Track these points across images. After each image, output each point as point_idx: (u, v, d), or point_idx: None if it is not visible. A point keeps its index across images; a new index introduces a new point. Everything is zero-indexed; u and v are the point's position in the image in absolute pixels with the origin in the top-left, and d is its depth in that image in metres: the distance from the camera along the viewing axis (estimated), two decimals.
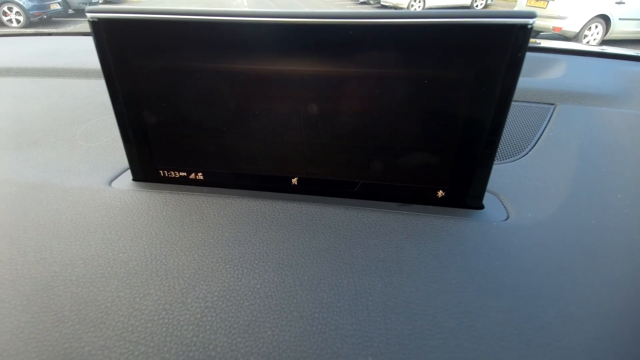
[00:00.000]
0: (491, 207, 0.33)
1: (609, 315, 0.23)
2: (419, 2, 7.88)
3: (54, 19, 6.68)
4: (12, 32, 1.04)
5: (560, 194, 0.35)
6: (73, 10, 7.23)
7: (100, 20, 0.29)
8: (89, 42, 0.84)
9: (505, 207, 0.33)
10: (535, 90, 0.54)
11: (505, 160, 0.41)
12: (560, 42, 0.92)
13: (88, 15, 0.29)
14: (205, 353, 0.21)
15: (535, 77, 0.64)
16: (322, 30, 0.27)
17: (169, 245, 0.28)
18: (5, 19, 5.84)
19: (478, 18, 0.25)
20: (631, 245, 0.29)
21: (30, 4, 5.85)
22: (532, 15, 0.25)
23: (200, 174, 0.36)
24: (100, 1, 8.02)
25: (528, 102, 0.53)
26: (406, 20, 0.26)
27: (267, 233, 0.30)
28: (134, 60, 0.30)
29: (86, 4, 6.78)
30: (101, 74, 0.31)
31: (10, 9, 5.81)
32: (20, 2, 5.74)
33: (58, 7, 6.45)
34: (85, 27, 0.32)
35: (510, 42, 0.26)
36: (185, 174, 0.36)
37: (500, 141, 0.30)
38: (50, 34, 1.00)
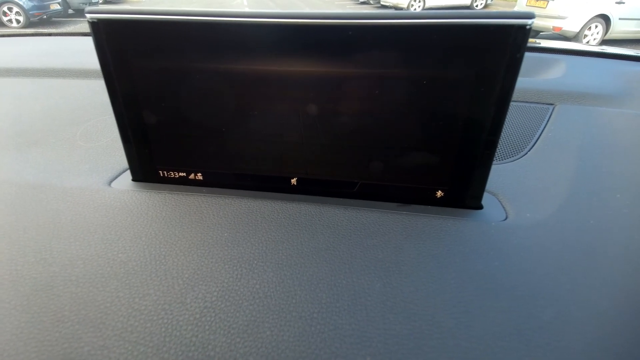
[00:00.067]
0: (490, 207, 0.33)
1: (608, 315, 0.23)
2: (419, 2, 7.88)
3: (53, 19, 6.68)
4: (12, 32, 1.04)
5: (559, 194, 0.35)
6: (73, 10, 7.23)
7: (100, 20, 0.29)
8: (88, 43, 0.84)
9: (504, 207, 0.34)
10: (535, 90, 0.54)
11: (504, 161, 0.41)
12: (560, 42, 0.92)
13: (87, 15, 0.29)
14: (204, 353, 0.21)
15: (534, 77, 0.64)
16: (321, 30, 0.27)
17: (169, 245, 0.29)
18: (5, 19, 5.84)
19: (477, 19, 0.26)
20: (630, 245, 0.29)
21: (30, 4, 5.85)
22: (530, 16, 0.25)
23: (199, 174, 0.36)
24: (100, 1, 8.02)
25: (527, 102, 0.53)
26: (405, 21, 0.26)
27: (267, 233, 0.30)
28: (133, 60, 0.30)
29: (86, 4, 6.79)
30: (101, 74, 0.31)
31: (10, 9, 5.81)
32: (20, 2, 5.75)
33: (58, 7, 6.45)
34: (85, 27, 0.32)
35: (508, 42, 0.26)
36: (184, 174, 0.36)
37: (499, 141, 0.30)
38: (50, 34, 1.00)
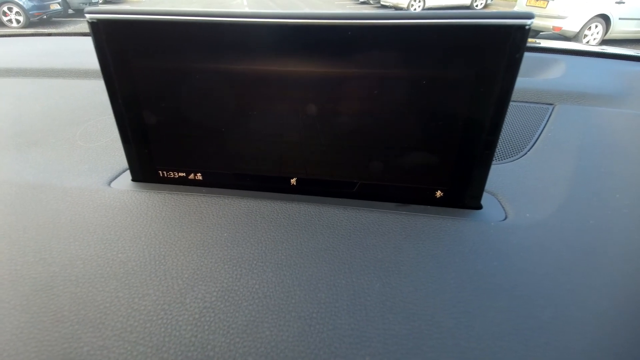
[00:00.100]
0: (489, 207, 0.33)
1: (608, 315, 0.23)
2: (419, 2, 7.88)
3: (53, 19, 6.68)
4: (11, 33, 1.04)
5: (558, 194, 0.35)
6: (73, 10, 7.23)
7: (100, 21, 0.29)
8: (88, 43, 0.84)
9: (503, 207, 0.34)
10: (534, 91, 0.54)
11: (504, 161, 0.41)
12: (560, 42, 0.92)
13: (87, 16, 0.29)
14: (203, 353, 0.21)
15: (534, 77, 0.64)
16: (321, 31, 0.27)
17: (168, 245, 0.29)
18: (5, 19, 5.84)
19: (476, 19, 0.26)
20: (630, 245, 0.29)
21: (30, 4, 5.85)
22: (529, 16, 0.25)
23: (199, 174, 0.36)
24: (100, 1, 8.02)
25: (527, 102, 0.53)
26: (404, 21, 0.26)
27: (266, 233, 0.30)
28: (133, 60, 0.31)
29: (86, 4, 6.79)
30: (101, 74, 0.31)
31: (10, 9, 5.82)
32: (20, 2, 5.75)
33: (58, 7, 6.45)
34: (85, 27, 0.32)
35: (508, 42, 0.26)
36: (184, 174, 0.36)
37: (499, 141, 0.30)
38: (49, 34, 1.00)
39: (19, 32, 1.06)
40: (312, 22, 0.27)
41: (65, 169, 0.39)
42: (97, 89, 0.59)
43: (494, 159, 0.31)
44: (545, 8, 4.80)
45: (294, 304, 0.24)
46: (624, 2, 4.65)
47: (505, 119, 0.29)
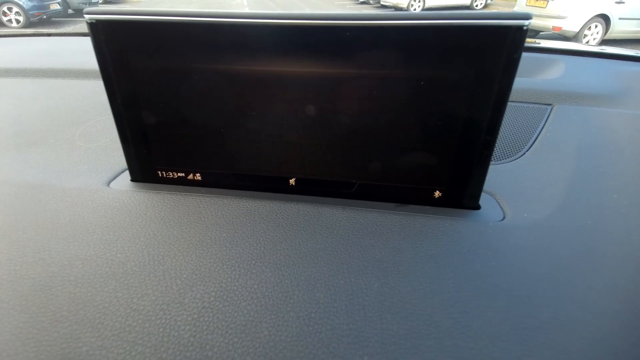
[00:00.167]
0: (487, 208, 0.33)
1: (606, 315, 0.23)
2: (419, 1, 7.88)
3: (53, 19, 6.68)
4: (11, 33, 1.04)
5: (556, 194, 0.35)
6: (73, 10, 7.24)
7: (99, 21, 0.29)
8: (88, 43, 0.83)
9: (501, 208, 0.34)
10: (533, 91, 0.54)
11: (502, 161, 0.41)
12: (559, 42, 0.92)
13: (86, 16, 0.29)
14: (202, 353, 0.21)
15: (533, 77, 0.64)
16: (320, 31, 0.27)
17: (167, 245, 0.29)
18: (5, 19, 5.84)
19: (474, 20, 0.26)
20: (628, 245, 0.29)
21: (30, 4, 5.85)
22: (527, 17, 0.25)
23: (198, 174, 0.36)
24: (100, 1, 8.02)
25: (525, 102, 0.53)
26: (403, 22, 0.26)
27: (265, 233, 0.30)
28: (132, 61, 0.31)
29: (86, 4, 6.79)
30: (100, 74, 0.31)
31: (10, 9, 5.81)
32: (20, 2, 5.74)
33: (58, 7, 6.45)
34: (85, 27, 0.32)
35: (506, 43, 0.26)
36: (183, 174, 0.36)
37: (497, 141, 0.30)
38: (49, 35, 1.00)
39: (19, 32, 1.06)
40: (311, 22, 0.27)
41: (65, 169, 0.39)
42: (97, 90, 0.59)
43: (492, 159, 0.31)
44: (545, 8, 4.80)
45: (293, 304, 0.24)
46: (624, 2, 4.65)
47: (504, 119, 0.29)
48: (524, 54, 0.26)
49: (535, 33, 5.07)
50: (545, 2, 4.81)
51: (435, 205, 0.33)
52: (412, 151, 0.31)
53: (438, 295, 0.25)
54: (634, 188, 0.36)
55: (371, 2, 9.66)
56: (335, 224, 0.31)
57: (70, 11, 7.18)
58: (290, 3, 10.13)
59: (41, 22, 6.23)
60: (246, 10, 0.29)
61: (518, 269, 0.27)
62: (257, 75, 0.30)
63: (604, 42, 4.79)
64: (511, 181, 0.37)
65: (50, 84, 0.63)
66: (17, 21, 5.89)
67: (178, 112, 0.32)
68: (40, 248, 0.28)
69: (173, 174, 0.36)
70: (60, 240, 0.29)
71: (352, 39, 0.27)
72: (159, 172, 0.36)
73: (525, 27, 0.25)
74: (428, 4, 7.87)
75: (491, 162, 0.36)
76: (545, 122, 0.48)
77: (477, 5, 8.50)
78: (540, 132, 0.46)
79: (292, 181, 0.34)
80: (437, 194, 0.33)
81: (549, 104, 0.53)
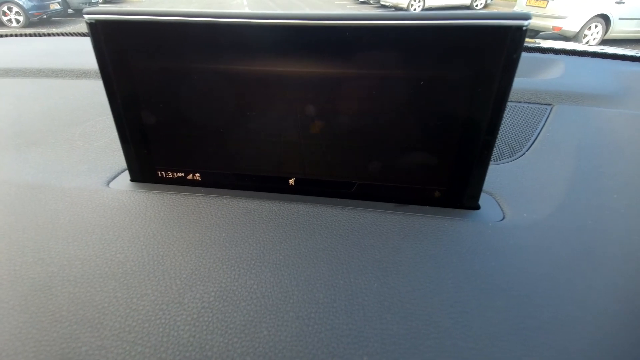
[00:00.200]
0: (487, 208, 0.33)
1: (606, 315, 0.23)
2: (419, 1, 7.88)
3: (53, 19, 6.68)
4: (11, 32, 1.04)
5: (556, 194, 0.35)
6: (73, 10, 7.24)
7: (98, 21, 0.29)
8: (88, 43, 0.83)
9: (501, 208, 0.34)
10: (533, 91, 0.54)
11: (502, 161, 0.41)
12: (559, 42, 0.92)
13: (85, 16, 0.29)
14: (202, 353, 0.21)
15: (532, 77, 0.64)
16: (320, 31, 0.27)
17: (166, 245, 0.29)
18: (5, 19, 5.84)
19: (474, 20, 0.26)
20: (628, 245, 0.29)
21: (30, 4, 5.85)
22: (527, 17, 0.25)
23: (197, 174, 0.36)
24: (100, 1, 8.02)
25: (525, 102, 0.53)
26: (402, 22, 0.26)
27: (264, 233, 0.30)
28: (131, 61, 0.31)
29: (86, 4, 6.79)
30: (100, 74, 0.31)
31: (10, 9, 5.81)
32: (20, 2, 5.74)
33: (58, 7, 6.45)
34: (85, 27, 0.32)
35: (505, 43, 0.26)
36: (182, 174, 0.36)
37: (497, 141, 0.30)
38: (49, 34, 1.00)
39: (19, 32, 1.06)
40: (311, 22, 0.27)
41: (64, 169, 0.39)
42: (97, 89, 0.59)
43: (491, 159, 0.31)
44: (545, 8, 4.80)
45: (292, 304, 0.24)
46: (624, 2, 4.65)
47: (503, 119, 0.29)
48: (524, 54, 0.26)
49: (535, 33, 5.07)
50: (545, 2, 4.81)
51: (434, 205, 0.33)
52: (412, 151, 0.31)
53: (438, 295, 0.25)
54: (634, 188, 0.36)
55: (371, 2, 9.66)
56: (335, 224, 0.31)
57: (70, 11, 7.19)
58: (290, 3, 10.13)
59: (41, 22, 6.23)
60: (246, 10, 0.29)
61: (518, 269, 0.27)
62: (257, 75, 0.30)
63: (604, 42, 4.79)
64: (511, 181, 0.37)
65: (50, 84, 0.63)
66: (17, 21, 5.89)
67: (178, 112, 0.32)
68: (39, 248, 0.28)
69: (173, 174, 0.36)
70: (59, 240, 0.29)
71: (352, 39, 0.27)
72: (159, 172, 0.36)
73: (524, 27, 0.25)
74: (428, 4, 7.87)
75: (491, 162, 0.36)
76: (545, 122, 0.48)
77: (477, 5, 8.50)
78: (540, 132, 0.46)
79: (291, 181, 0.34)
80: (436, 194, 0.33)
81: (549, 104, 0.53)
